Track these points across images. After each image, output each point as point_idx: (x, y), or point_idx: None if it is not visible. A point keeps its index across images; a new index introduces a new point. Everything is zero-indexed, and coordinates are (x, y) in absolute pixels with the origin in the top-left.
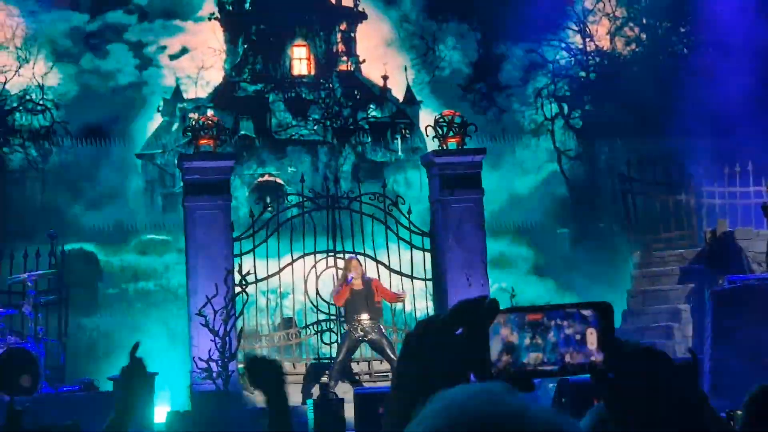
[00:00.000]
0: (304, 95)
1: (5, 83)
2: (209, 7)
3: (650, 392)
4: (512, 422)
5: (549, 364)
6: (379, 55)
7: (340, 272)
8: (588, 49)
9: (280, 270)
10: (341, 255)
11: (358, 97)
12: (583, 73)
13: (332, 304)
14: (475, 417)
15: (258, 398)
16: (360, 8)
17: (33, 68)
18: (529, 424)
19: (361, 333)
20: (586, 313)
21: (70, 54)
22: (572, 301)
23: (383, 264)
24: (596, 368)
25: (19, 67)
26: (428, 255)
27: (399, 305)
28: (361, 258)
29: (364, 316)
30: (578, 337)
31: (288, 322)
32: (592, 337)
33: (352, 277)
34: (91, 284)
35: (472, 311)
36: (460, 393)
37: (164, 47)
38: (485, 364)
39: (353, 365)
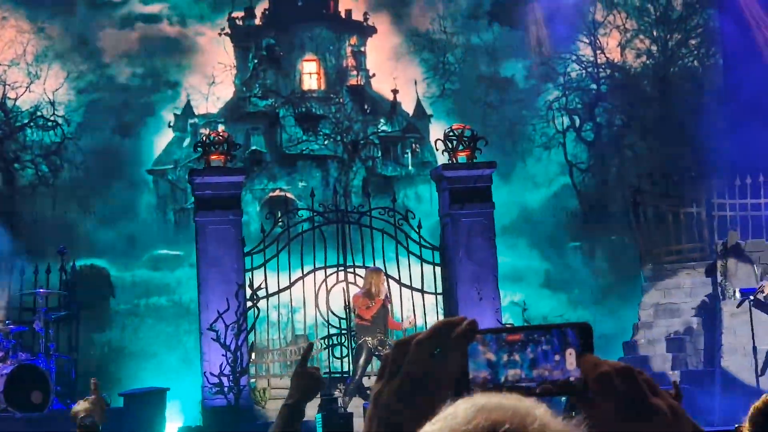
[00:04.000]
0: (314, 110)
1: (16, 99)
2: (220, 22)
3: (628, 412)
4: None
5: (527, 380)
6: (389, 69)
7: (364, 279)
8: (599, 61)
9: (291, 284)
10: (351, 269)
11: (368, 111)
12: (594, 86)
13: (343, 319)
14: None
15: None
16: (370, 22)
17: (44, 84)
18: None
19: (373, 346)
20: (566, 332)
21: (80, 70)
22: (585, 315)
23: (394, 278)
24: (574, 387)
25: (30, 83)
26: (438, 269)
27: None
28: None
29: (379, 331)
30: (557, 357)
31: (299, 339)
32: (571, 357)
33: (386, 295)
34: (102, 300)
35: (450, 331)
36: (481, 401)
37: (175, 63)
38: (464, 383)
39: (364, 380)
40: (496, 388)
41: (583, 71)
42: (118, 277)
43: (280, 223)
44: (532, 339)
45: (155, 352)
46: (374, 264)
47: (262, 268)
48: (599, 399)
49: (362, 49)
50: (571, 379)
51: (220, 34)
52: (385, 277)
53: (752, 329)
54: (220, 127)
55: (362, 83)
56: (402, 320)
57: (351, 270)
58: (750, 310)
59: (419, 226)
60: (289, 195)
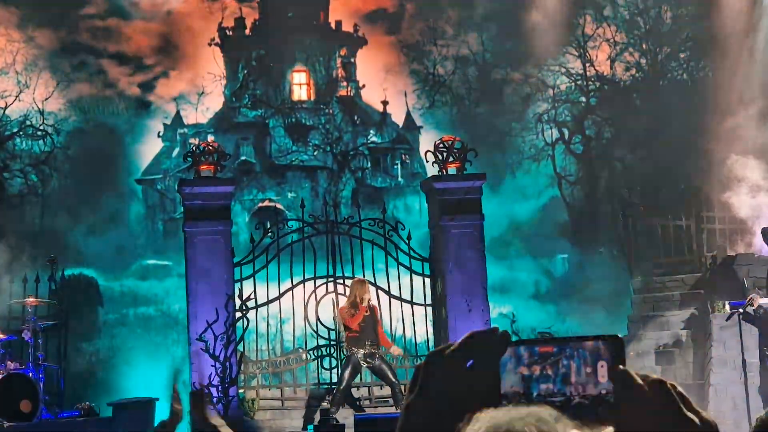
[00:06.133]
0: (304, 121)
1: (5, 108)
2: (210, 32)
3: (660, 425)
4: None
5: (559, 395)
6: (379, 81)
7: (349, 291)
8: (588, 74)
9: (281, 295)
10: (341, 280)
11: (358, 122)
12: (583, 99)
13: (332, 330)
14: None
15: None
16: (360, 33)
17: (33, 94)
18: None
19: (363, 357)
20: (597, 345)
21: (70, 79)
22: (574, 327)
23: (383, 289)
24: (606, 400)
25: (20, 93)
26: (428, 280)
27: (398, 331)
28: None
29: (368, 342)
30: (588, 369)
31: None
32: (602, 370)
33: (369, 301)
34: (91, 309)
35: (483, 343)
36: (505, 416)
37: (165, 72)
38: (495, 396)
39: (353, 390)
40: (528, 402)
41: (573, 84)
42: (106, 286)
43: (270, 234)
44: (564, 353)
45: (144, 362)
46: (363, 275)
47: (251, 279)
48: (632, 412)
49: (352, 60)
50: (603, 391)
51: (210, 44)
52: (369, 287)
53: (742, 342)
54: (210, 137)
55: (352, 94)
56: (392, 336)
57: (340, 281)
58: (739, 322)
59: (409, 237)
60: (278, 205)
